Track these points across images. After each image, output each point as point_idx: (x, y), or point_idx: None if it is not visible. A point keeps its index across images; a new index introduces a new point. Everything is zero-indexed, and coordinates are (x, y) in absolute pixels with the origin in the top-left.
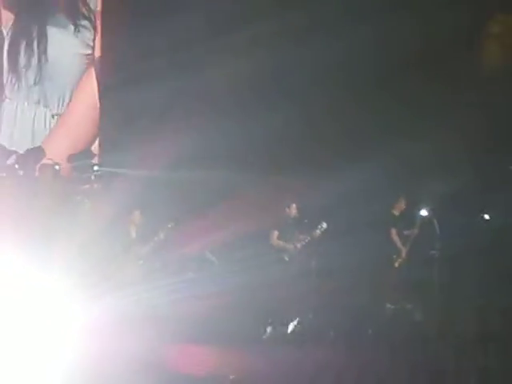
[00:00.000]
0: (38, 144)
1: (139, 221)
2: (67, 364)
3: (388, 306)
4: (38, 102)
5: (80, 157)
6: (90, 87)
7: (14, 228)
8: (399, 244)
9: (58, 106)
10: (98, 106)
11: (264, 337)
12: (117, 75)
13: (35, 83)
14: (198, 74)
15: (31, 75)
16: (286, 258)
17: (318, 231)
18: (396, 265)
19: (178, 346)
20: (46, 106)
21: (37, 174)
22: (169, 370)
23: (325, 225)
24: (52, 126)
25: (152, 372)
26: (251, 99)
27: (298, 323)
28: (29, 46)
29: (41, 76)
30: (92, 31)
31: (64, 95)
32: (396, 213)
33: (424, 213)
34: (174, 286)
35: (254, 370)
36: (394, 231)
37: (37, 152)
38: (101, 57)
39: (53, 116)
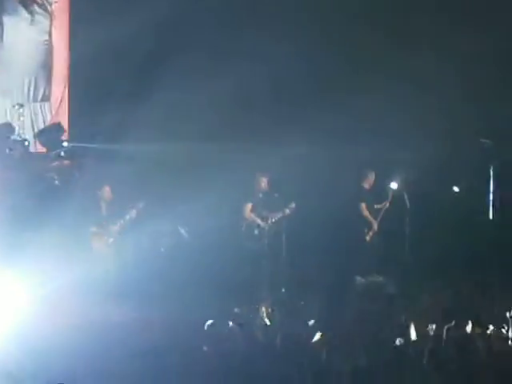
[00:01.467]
0: None
1: (109, 197)
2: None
3: (359, 279)
4: None
5: (50, 132)
6: None
7: None
8: (370, 218)
9: (17, 94)
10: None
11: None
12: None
13: None
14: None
15: None
16: (256, 232)
17: (287, 210)
18: (367, 238)
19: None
20: (4, 96)
21: (7, 150)
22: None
23: (293, 205)
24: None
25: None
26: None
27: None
28: None
29: None
30: (48, 17)
31: (22, 83)
32: (366, 186)
33: (394, 186)
34: (146, 262)
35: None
36: (363, 205)
37: (6, 128)
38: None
39: (13, 106)
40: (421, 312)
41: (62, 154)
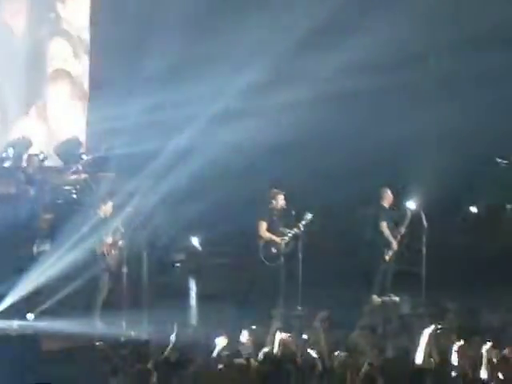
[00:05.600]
0: None
1: (111, 211)
2: None
3: (376, 298)
4: None
5: (67, 146)
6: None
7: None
8: (390, 237)
9: None
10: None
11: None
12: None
13: None
14: None
15: None
16: (274, 250)
17: (303, 222)
18: (387, 258)
19: None
20: None
21: (23, 164)
22: None
23: (310, 215)
24: None
25: None
26: None
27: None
28: None
29: None
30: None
31: None
32: (385, 205)
33: (412, 205)
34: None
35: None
36: (384, 224)
37: (23, 142)
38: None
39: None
40: (439, 332)
41: (80, 168)
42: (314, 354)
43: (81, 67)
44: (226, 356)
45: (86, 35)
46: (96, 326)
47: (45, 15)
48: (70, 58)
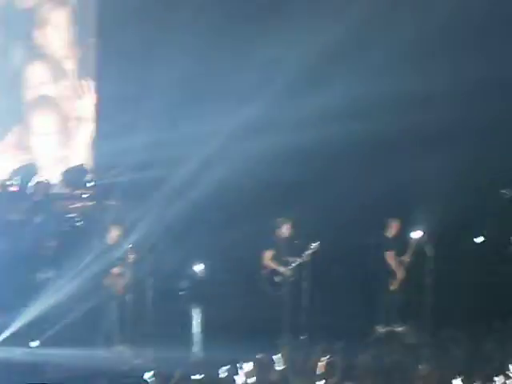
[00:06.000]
0: None
1: (117, 239)
2: None
3: (380, 328)
4: None
5: (74, 173)
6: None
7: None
8: (394, 266)
9: None
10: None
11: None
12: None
13: None
14: None
15: None
16: (278, 279)
17: (309, 251)
18: (391, 288)
19: None
20: None
21: (30, 190)
22: None
23: (315, 245)
24: None
25: None
26: None
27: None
28: None
29: None
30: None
31: None
32: (389, 235)
33: (416, 235)
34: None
35: None
36: (390, 254)
37: (29, 168)
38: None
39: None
40: (443, 363)
41: (86, 195)
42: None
43: (64, 92)
44: None
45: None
46: (100, 355)
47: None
48: (49, 82)
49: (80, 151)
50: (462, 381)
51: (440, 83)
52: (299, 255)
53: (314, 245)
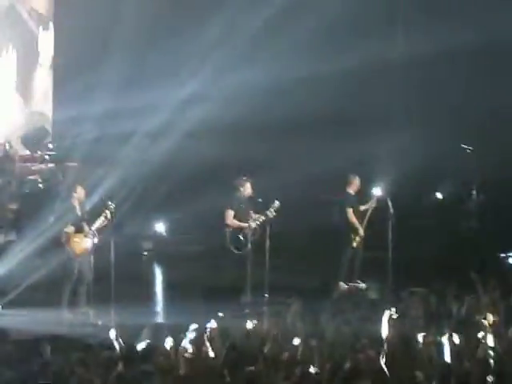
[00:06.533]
0: None
1: (83, 197)
2: None
3: (342, 285)
4: None
5: (34, 135)
6: None
7: None
8: (357, 224)
9: None
10: None
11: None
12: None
13: None
14: None
15: None
16: (241, 238)
17: (271, 210)
18: (354, 244)
19: None
20: None
21: None
22: None
23: (277, 203)
24: None
25: None
26: None
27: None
28: None
29: None
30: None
31: None
32: (351, 192)
33: (378, 191)
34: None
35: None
36: (350, 210)
37: None
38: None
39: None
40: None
41: (47, 157)
42: (282, 342)
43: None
44: (194, 344)
45: None
46: (63, 316)
47: None
48: None
49: (41, 113)
50: (425, 336)
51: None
52: (262, 214)
53: (276, 203)
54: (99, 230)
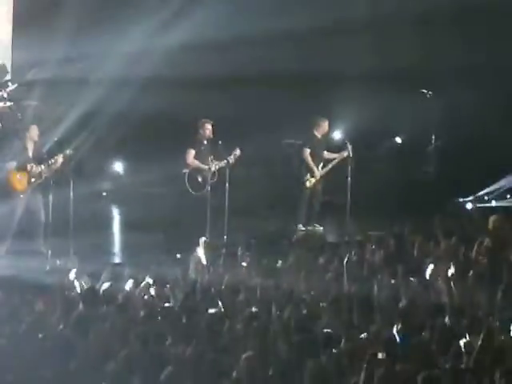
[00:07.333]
0: None
1: (36, 137)
2: None
3: (300, 227)
4: None
5: None
6: None
7: None
8: (312, 165)
9: None
10: None
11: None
12: None
13: None
14: None
15: None
16: (200, 179)
17: (231, 157)
18: (307, 184)
19: None
20: None
21: None
22: None
23: (238, 151)
24: None
25: None
26: None
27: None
28: None
29: None
30: None
31: None
32: (317, 134)
33: (337, 135)
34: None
35: None
36: (307, 151)
37: None
38: None
39: None
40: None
41: (5, 95)
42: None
43: None
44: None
45: None
46: (23, 257)
47: None
48: None
49: None
50: (381, 278)
51: None
52: (222, 157)
53: (237, 151)
54: (51, 172)
